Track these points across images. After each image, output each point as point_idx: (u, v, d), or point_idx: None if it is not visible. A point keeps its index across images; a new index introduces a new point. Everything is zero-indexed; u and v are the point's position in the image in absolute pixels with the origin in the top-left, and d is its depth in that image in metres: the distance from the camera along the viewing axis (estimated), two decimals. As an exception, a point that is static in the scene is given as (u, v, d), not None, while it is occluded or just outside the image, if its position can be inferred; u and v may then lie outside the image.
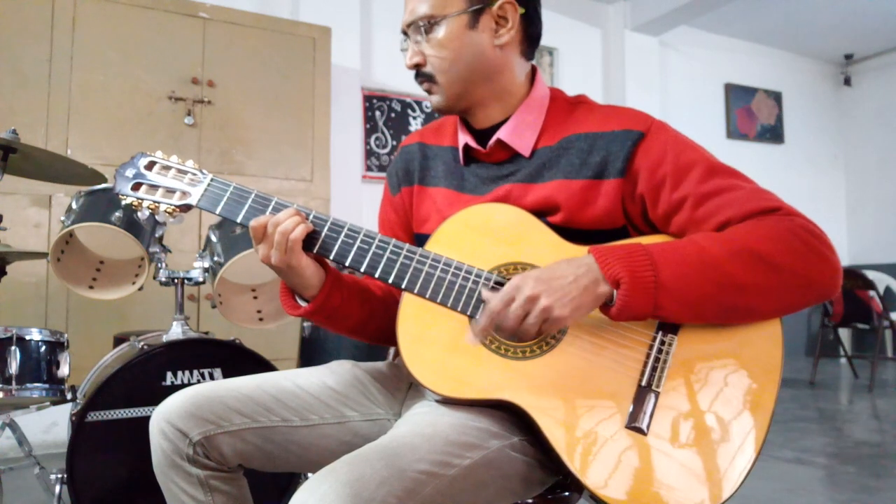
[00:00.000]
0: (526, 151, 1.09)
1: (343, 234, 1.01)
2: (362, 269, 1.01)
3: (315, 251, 1.02)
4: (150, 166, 1.07)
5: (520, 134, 1.09)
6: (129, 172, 1.06)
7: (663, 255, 0.90)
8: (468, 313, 0.97)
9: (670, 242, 0.94)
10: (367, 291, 1.16)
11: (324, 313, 1.09)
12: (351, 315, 1.13)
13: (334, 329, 1.14)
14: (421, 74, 1.09)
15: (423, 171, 1.20)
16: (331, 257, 1.01)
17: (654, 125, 1.04)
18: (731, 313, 0.93)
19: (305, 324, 2.47)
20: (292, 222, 0.99)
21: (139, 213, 1.07)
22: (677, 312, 0.91)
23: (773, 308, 0.93)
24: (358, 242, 1.01)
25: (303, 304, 1.09)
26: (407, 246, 1.01)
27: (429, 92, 1.10)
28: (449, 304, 0.98)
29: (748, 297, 0.91)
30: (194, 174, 1.06)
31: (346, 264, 1.01)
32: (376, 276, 1.00)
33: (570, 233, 1.02)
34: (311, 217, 1.02)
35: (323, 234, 1.02)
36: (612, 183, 1.02)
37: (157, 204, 1.05)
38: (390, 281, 0.99)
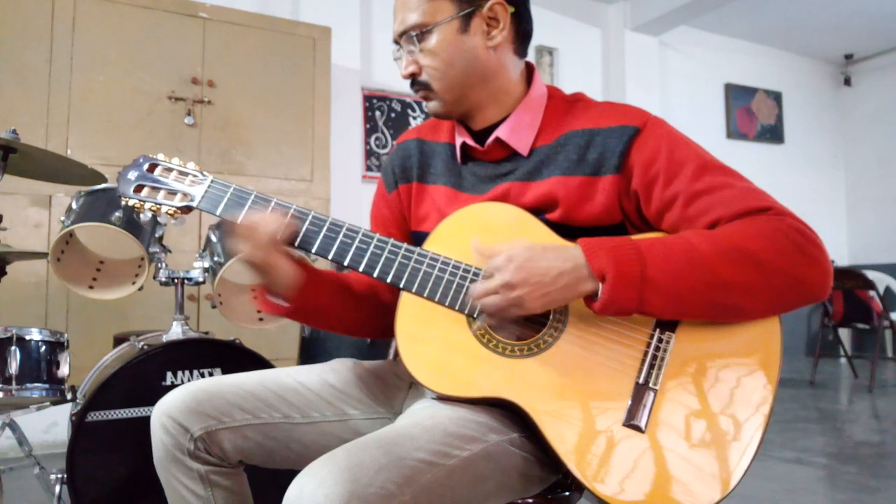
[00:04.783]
0: (524, 150, 1.08)
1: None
2: (361, 269, 1.01)
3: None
4: (151, 168, 1.08)
5: (518, 133, 1.09)
6: (132, 175, 1.07)
7: (651, 251, 0.90)
8: (465, 312, 0.97)
9: (659, 238, 0.94)
10: (346, 287, 1.16)
11: (302, 312, 1.11)
12: (329, 312, 1.14)
13: (311, 324, 1.16)
14: (417, 83, 1.09)
15: (423, 169, 1.19)
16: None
17: (650, 121, 1.03)
18: (718, 311, 0.93)
19: (305, 323, 2.47)
20: (275, 222, 1.00)
21: (141, 215, 1.08)
22: (663, 308, 0.91)
23: (761, 307, 0.93)
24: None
25: (280, 303, 1.10)
26: (404, 245, 1.01)
27: (426, 99, 1.10)
28: (447, 303, 0.98)
29: (735, 296, 0.91)
30: (195, 176, 1.07)
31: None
32: (375, 275, 1.00)
33: (568, 230, 1.02)
34: (310, 217, 1.03)
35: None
36: (609, 179, 1.01)
37: (158, 206, 1.06)
38: (388, 280, 1.00)
